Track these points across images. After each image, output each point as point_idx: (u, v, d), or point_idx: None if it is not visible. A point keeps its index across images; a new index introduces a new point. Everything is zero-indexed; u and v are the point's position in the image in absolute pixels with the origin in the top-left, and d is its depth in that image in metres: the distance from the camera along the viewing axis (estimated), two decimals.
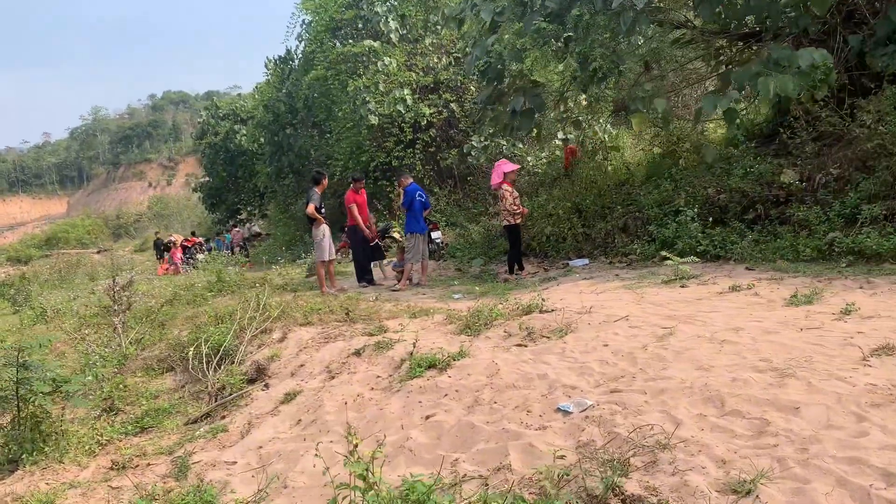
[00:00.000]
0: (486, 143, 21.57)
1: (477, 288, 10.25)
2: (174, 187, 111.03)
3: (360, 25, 24.07)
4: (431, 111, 21.95)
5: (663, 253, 8.81)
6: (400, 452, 4.19)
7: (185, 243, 24.77)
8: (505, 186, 10.75)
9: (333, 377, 6.21)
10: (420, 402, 4.84)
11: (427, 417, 4.58)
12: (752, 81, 9.52)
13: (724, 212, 10.25)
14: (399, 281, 11.49)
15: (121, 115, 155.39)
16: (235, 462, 5.09)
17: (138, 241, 58.38)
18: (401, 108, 21.66)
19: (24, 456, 6.49)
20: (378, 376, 5.83)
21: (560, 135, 16.79)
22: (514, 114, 11.98)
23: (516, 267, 11.04)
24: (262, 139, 30.11)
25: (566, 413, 4.02)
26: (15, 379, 6.61)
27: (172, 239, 25.76)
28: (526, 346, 5.65)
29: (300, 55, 27.20)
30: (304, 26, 25.73)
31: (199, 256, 22.46)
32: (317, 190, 11.01)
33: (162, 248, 27.18)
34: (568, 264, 11.46)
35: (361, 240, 11.80)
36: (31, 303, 20.44)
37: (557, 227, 12.80)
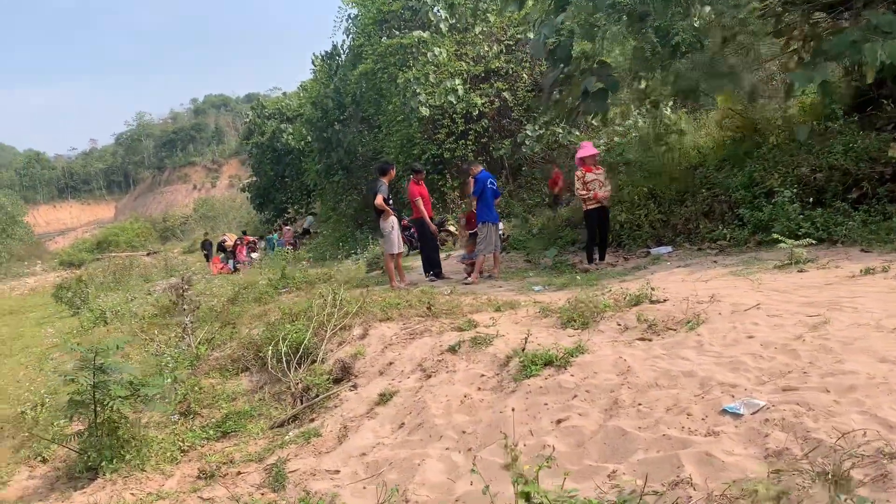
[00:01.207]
0: (541, 131, 20.96)
1: (556, 279, 9.68)
2: (218, 189, 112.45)
3: (407, 16, 23.64)
4: (483, 101, 21.41)
5: (776, 236, 8.10)
6: (538, 463, 3.67)
7: (238, 241, 24.66)
8: (578, 171, 10.18)
9: (430, 376, 5.72)
10: (545, 404, 4.31)
11: (558, 422, 4.06)
12: (852, 50, 8.79)
13: (821, 192, 9.52)
14: (469, 274, 10.98)
15: (164, 119, 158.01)
16: (339, 471, 4.64)
17: (186, 243, 58.87)
18: (452, 98, 21.16)
19: (103, 464, 6.16)
20: (482, 375, 5.32)
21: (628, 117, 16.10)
22: (586, 95, 11.35)
23: (596, 257, 10.45)
24: (309, 137, 29.90)
25: (735, 415, 3.45)
26: (92, 383, 6.28)
27: (225, 238, 25.67)
28: (651, 339, 5.08)
29: (346, 50, 26.87)
30: (351, 20, 25.37)
31: (254, 255, 22.26)
32: (384, 181, 10.56)
33: (211, 249, 27.07)
34: (650, 252, 10.81)
35: (429, 232, 11.31)
36: (89, 305, 20.48)
37: (632, 213, 12.15)
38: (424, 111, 20.88)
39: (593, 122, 18.87)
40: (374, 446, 4.82)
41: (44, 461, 7.53)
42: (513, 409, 4.35)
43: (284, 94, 40.34)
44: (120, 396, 6.28)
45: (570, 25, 11.07)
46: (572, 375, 4.60)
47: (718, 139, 14.11)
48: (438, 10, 22.27)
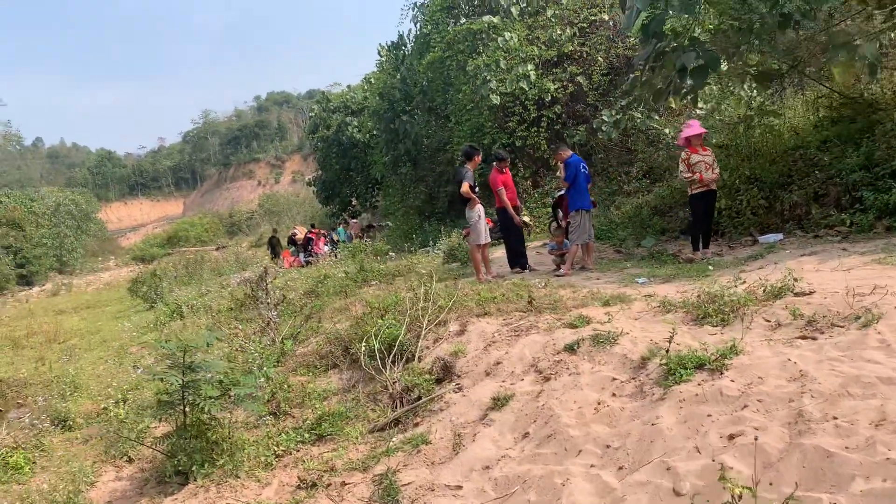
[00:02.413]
0: (618, 116, 20.07)
1: (658, 270, 8.98)
2: (282, 185, 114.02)
3: (476, 2, 23.04)
4: (556, 86, 20.64)
5: None
6: (715, 488, 3.06)
7: (310, 235, 24.49)
8: (682, 153, 9.42)
9: (548, 378, 5.15)
10: (709, 415, 3.69)
11: (731, 437, 3.43)
12: None
13: None
14: (559, 266, 10.35)
15: (229, 117, 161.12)
16: (461, 486, 4.12)
17: (253, 238, 59.70)
18: (524, 84, 20.46)
19: (194, 468, 5.80)
20: (614, 379, 4.72)
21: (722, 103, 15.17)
22: (683, 72, 10.54)
23: (701, 244, 9.69)
24: (376, 129, 29.60)
25: None
26: (181, 382, 5.92)
27: (296, 231, 25.56)
28: (815, 338, 4.39)
29: (413, 39, 26.42)
30: (418, 8, 24.89)
31: (325, 248, 22.05)
32: (469, 166, 10.01)
33: (278, 245, 26.89)
34: (757, 240, 9.98)
35: (514, 223, 10.68)
36: (164, 299, 20.63)
37: (732, 199, 11.32)
38: (495, 99, 20.25)
39: (681, 103, 17.96)
40: (498, 459, 4.28)
41: (130, 461, 7.28)
42: (667, 422, 3.74)
43: (349, 87, 40.18)
44: (211, 397, 5.92)
45: None
46: (733, 381, 3.96)
47: (815, 119, 13.13)
48: None
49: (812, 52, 10.05)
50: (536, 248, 14.06)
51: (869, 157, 9.59)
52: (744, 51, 10.58)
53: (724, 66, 11.45)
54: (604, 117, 20.07)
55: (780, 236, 9.79)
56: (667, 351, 4.53)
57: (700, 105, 17.66)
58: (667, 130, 19.23)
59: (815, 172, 10.37)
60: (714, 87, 16.59)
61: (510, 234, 10.87)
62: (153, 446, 6.37)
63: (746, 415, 3.57)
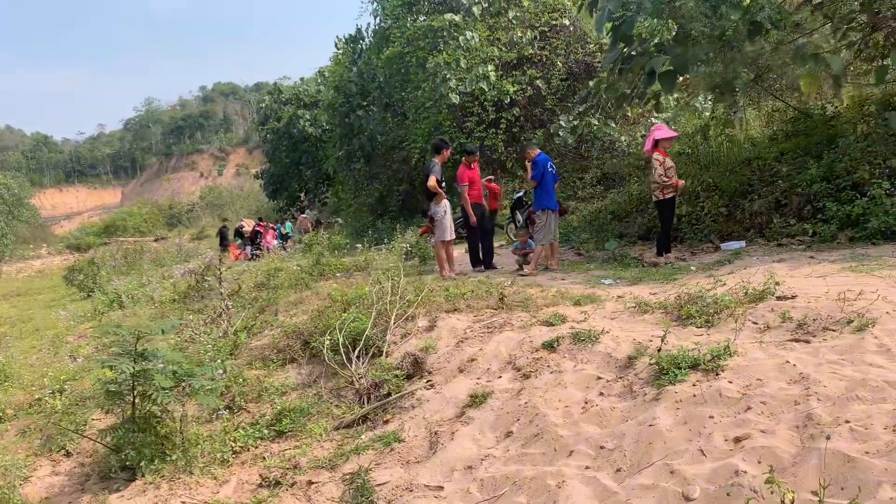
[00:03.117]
0: (575, 122, 20.12)
1: (623, 273, 8.90)
2: (225, 177, 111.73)
3: (437, 0, 22.81)
4: (515, 88, 20.59)
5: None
6: (729, 492, 2.89)
7: (258, 228, 23.85)
8: (656, 155, 9.36)
9: (528, 376, 4.94)
10: (710, 417, 3.52)
11: (737, 440, 3.27)
12: None
13: None
14: (523, 266, 10.19)
15: (173, 106, 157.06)
16: (442, 487, 3.86)
17: (194, 230, 58.20)
18: (483, 85, 20.36)
19: (143, 463, 5.38)
20: (599, 377, 4.53)
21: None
22: (652, 76, 10.53)
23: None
24: (330, 122, 29.10)
25: None
26: (131, 371, 5.50)
27: (243, 224, 24.88)
28: (808, 341, 4.29)
29: (372, 33, 26.03)
30: (378, 2, 24.52)
31: (275, 242, 21.48)
32: (437, 160, 9.76)
33: (228, 236, 26.10)
34: (719, 247, 10.01)
35: (477, 220, 10.45)
36: (102, 288, 19.75)
37: (693, 206, 11.37)
38: (454, 98, 20.09)
39: (638, 111, 18.10)
40: (481, 459, 4.04)
41: (68, 455, 6.78)
42: (665, 423, 3.56)
43: (302, 79, 39.44)
44: (163, 388, 5.51)
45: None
46: (731, 382, 3.81)
47: (770, 132, 13.37)
48: None
49: (782, 62, 10.14)
50: (495, 249, 13.90)
51: (830, 169, 9.71)
52: (712, 58, 10.62)
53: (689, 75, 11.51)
54: (561, 122, 20.11)
55: (743, 244, 9.84)
56: (659, 350, 4.36)
57: (655, 115, 17.88)
58: (622, 138, 19.39)
59: (777, 182, 10.47)
60: (671, 98, 16.77)
61: (472, 233, 10.65)
62: (97, 439, 5.90)
63: (751, 417, 3.42)
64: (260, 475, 4.88)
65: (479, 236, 10.62)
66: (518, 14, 21.69)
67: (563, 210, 10.72)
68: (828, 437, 2.99)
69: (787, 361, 3.88)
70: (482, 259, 10.60)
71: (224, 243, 25.64)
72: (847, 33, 10.86)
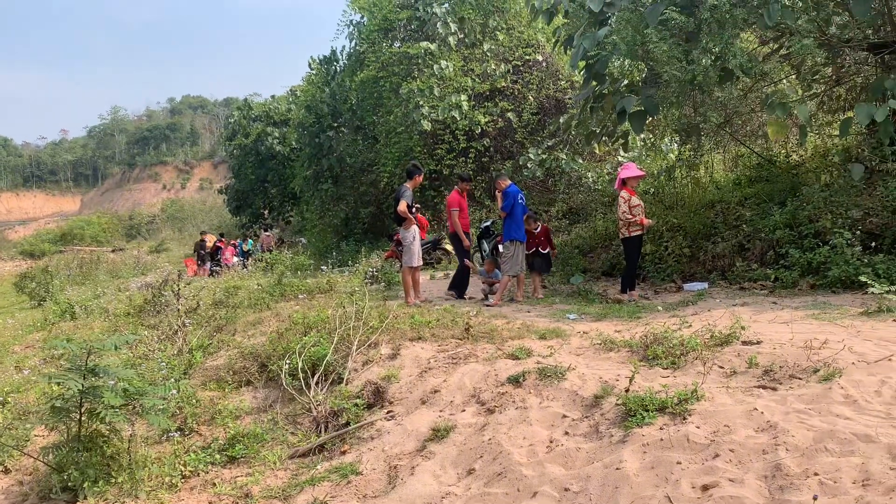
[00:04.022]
0: (544, 156, 20.27)
1: (587, 308, 8.90)
2: (188, 191, 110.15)
3: (414, 27, 22.95)
4: (487, 119, 20.77)
5: (868, 281, 7.34)
6: None
7: (219, 244, 23.42)
8: (623, 193, 9.42)
9: (492, 411, 4.84)
10: (678, 462, 3.46)
11: (705, 488, 3.21)
12: None
13: (877, 237, 8.91)
14: (488, 295, 10.14)
15: (139, 116, 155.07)
16: None
17: (153, 243, 57.04)
18: (455, 114, 20.49)
19: (86, 485, 5.14)
20: (565, 416, 4.46)
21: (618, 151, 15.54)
22: (623, 115, 10.66)
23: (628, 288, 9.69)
24: (299, 141, 28.91)
25: None
26: (80, 387, 5.26)
27: (205, 239, 24.40)
28: (775, 389, 4.27)
29: (347, 56, 26.04)
30: (354, 26, 24.58)
31: (235, 259, 21.13)
32: (408, 186, 9.69)
33: (204, 252, 25.33)
34: (681, 287, 10.09)
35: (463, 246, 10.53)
36: (54, 297, 19.17)
37: (657, 245, 11.48)
38: (426, 124, 20.14)
39: (605, 149, 18.31)
40: (442, 496, 3.91)
41: (6, 471, 6.47)
42: (631, 466, 3.49)
43: (273, 97, 39.21)
44: (113, 406, 5.28)
45: (613, 40, 10.39)
46: (698, 427, 3.76)
47: (734, 177, 13.63)
48: (449, 23, 21.58)
49: (750, 109, 10.34)
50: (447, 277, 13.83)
51: (793, 217, 9.88)
52: (681, 101, 10.80)
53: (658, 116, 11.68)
54: (530, 155, 20.23)
55: (706, 285, 9.94)
56: (627, 390, 4.30)
57: (623, 154, 18.13)
58: (589, 174, 19.58)
59: (740, 226, 10.62)
60: (638, 138, 17.03)
61: (464, 256, 10.70)
62: (38, 457, 5.62)
63: (719, 464, 3.36)
64: (209, 502, 4.68)
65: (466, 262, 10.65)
66: (493, 47, 21.94)
67: (552, 246, 10.78)
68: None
69: (755, 409, 3.85)
70: (457, 286, 10.60)
71: (202, 257, 24.78)
72: (812, 85, 11.17)
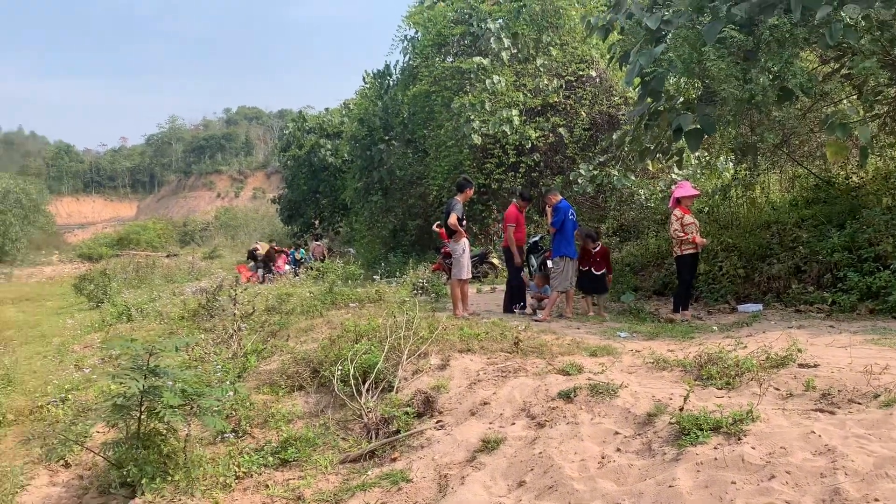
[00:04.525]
0: (595, 172, 20.19)
1: (639, 327, 8.84)
2: (241, 199, 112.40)
3: (467, 42, 23.14)
4: (538, 134, 20.77)
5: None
6: None
7: (272, 252, 23.85)
8: (675, 211, 9.36)
9: (542, 425, 4.86)
10: (732, 482, 3.44)
11: None
12: None
13: None
14: (536, 311, 10.14)
15: (196, 126, 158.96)
16: None
17: (206, 249, 58.33)
18: (506, 128, 20.54)
19: (143, 481, 5.30)
20: (617, 433, 4.45)
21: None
22: (678, 133, 10.58)
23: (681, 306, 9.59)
24: (351, 154, 29.35)
25: None
26: (141, 387, 5.45)
27: (257, 247, 24.87)
28: (834, 413, 4.21)
29: (399, 71, 26.40)
30: (409, 41, 24.91)
31: (286, 267, 21.49)
32: (459, 199, 9.79)
33: (260, 259, 25.58)
34: (735, 308, 9.94)
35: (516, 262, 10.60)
36: (111, 299, 19.76)
37: (711, 265, 11.32)
38: (476, 139, 20.23)
39: (659, 166, 18.16)
40: None
41: (66, 466, 6.71)
42: (685, 485, 3.48)
43: (327, 109, 39.89)
44: (171, 406, 5.46)
45: (669, 57, 10.35)
46: (754, 448, 3.73)
47: (790, 197, 13.37)
48: (503, 39, 21.70)
49: (808, 129, 10.17)
50: (501, 291, 13.85)
51: (853, 239, 9.66)
52: (738, 120, 10.68)
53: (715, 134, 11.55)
54: (581, 171, 20.16)
55: (760, 307, 9.76)
56: (681, 409, 4.28)
57: (676, 171, 17.95)
58: (641, 191, 19.40)
59: (797, 248, 10.42)
60: (692, 155, 16.83)
61: (512, 275, 10.74)
62: (99, 453, 5.83)
63: (775, 486, 3.33)
64: (263, 503, 4.79)
65: (520, 276, 10.70)
66: (546, 62, 21.96)
67: (608, 269, 10.63)
68: None
69: (813, 431, 3.80)
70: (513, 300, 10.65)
71: (257, 263, 25.01)
72: (874, 106, 10.92)
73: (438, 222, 9.58)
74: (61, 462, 6.67)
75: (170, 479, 5.31)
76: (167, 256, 48.57)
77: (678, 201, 9.45)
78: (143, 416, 5.63)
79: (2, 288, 32.81)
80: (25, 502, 5.73)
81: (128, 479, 5.39)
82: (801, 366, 5.19)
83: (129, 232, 67.15)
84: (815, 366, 5.16)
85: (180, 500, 5.04)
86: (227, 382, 6.56)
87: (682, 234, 9.19)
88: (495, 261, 19.08)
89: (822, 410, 4.25)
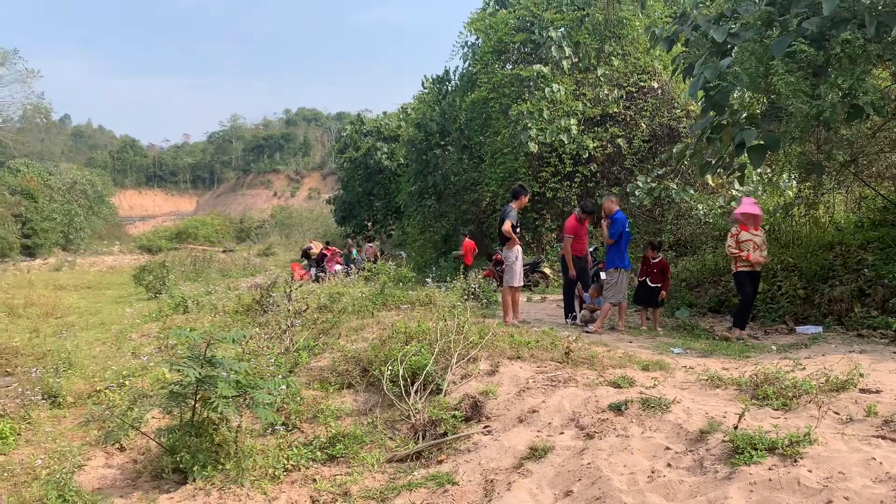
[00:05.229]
0: (653, 184, 19.90)
1: (693, 343, 8.68)
2: (297, 199, 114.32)
3: (528, 49, 23.11)
4: (595, 145, 20.61)
5: None
6: None
7: (325, 251, 24.19)
8: (733, 228, 9.18)
9: (591, 436, 4.82)
10: None
11: None
12: None
13: None
14: (590, 322, 10.05)
15: (256, 125, 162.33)
16: None
17: (261, 246, 59.49)
18: (564, 137, 20.41)
19: (195, 468, 5.43)
20: (668, 448, 4.39)
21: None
22: (741, 148, 10.37)
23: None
24: (407, 157, 29.62)
25: None
26: (198, 375, 5.59)
27: (311, 246, 25.27)
28: (894, 439, 4.07)
29: (458, 77, 26.52)
30: (469, 47, 25.01)
31: (337, 267, 21.75)
32: (513, 206, 9.78)
33: (312, 258, 25.96)
34: (794, 330, 9.68)
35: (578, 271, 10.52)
36: (169, 291, 20.31)
37: (770, 284, 11.05)
38: (533, 147, 20.16)
39: (719, 181, 17.83)
40: None
41: (121, 449, 6.92)
42: None
43: (384, 113, 40.39)
44: (225, 396, 5.58)
45: (735, 70, 10.16)
46: (810, 471, 3.63)
47: (855, 219, 12.95)
48: (564, 47, 21.61)
49: (879, 148, 9.86)
50: (557, 301, 13.77)
51: None
52: (805, 136, 10.41)
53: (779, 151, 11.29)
54: (639, 183, 19.89)
55: (820, 329, 9.49)
56: (735, 427, 4.20)
57: (736, 187, 17.59)
58: (700, 206, 19.05)
59: (861, 270, 10.10)
60: (754, 172, 16.46)
61: (570, 284, 10.68)
62: (155, 438, 6.00)
63: None
64: (310, 497, 4.87)
65: (574, 287, 10.62)
66: (607, 72, 21.79)
67: (665, 284, 10.36)
68: None
69: (873, 458, 3.68)
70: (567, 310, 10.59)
71: (310, 262, 25.36)
72: None
73: (465, 230, 9.59)
74: (117, 445, 6.88)
75: (220, 467, 5.42)
76: (223, 251, 49.74)
77: (736, 218, 9.26)
78: (197, 405, 5.78)
79: (65, 275, 34.03)
80: (82, 482, 5.92)
81: (180, 466, 5.53)
82: (862, 391, 5.03)
83: (187, 226, 69.04)
84: (878, 391, 5.00)
85: (230, 488, 5.15)
86: (280, 376, 6.66)
87: (737, 252, 9.01)
88: (547, 270, 18.96)
89: (884, 437, 4.11)
